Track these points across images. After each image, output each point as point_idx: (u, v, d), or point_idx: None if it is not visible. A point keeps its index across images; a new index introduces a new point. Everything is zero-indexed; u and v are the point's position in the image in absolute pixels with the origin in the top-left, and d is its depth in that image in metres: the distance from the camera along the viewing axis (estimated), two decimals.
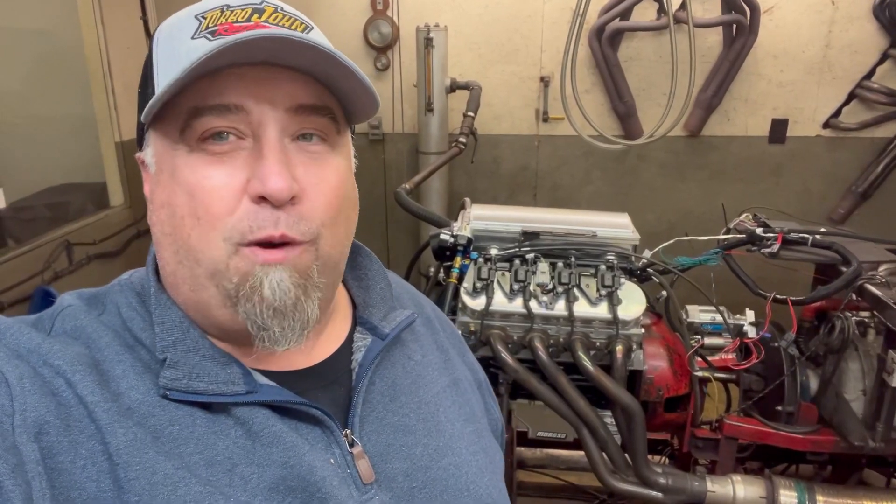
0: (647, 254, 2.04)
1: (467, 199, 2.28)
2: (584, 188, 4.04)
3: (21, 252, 2.80)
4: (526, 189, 4.10)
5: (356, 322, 0.74)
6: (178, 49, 0.57)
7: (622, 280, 1.89)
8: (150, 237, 0.64)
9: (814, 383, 1.95)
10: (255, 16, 0.58)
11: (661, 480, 1.87)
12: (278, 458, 0.59)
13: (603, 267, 1.92)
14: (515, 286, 1.87)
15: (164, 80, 0.54)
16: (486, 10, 3.78)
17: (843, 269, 1.83)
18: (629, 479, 1.89)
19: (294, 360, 0.67)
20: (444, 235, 2.01)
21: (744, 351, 1.99)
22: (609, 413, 1.89)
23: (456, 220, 2.14)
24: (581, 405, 1.81)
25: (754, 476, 1.92)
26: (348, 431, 0.64)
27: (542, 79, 3.86)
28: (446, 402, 0.75)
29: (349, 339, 0.72)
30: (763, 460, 2.17)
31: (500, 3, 3.76)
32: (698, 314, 2.10)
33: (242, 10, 0.58)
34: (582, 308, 1.85)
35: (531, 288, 1.87)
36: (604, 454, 1.88)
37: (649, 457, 1.91)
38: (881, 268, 1.84)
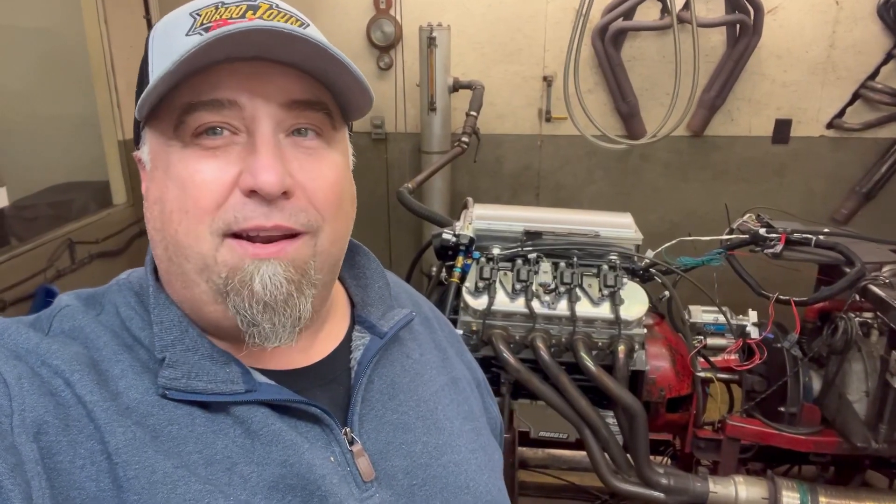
0: (650, 254, 2.04)
1: (470, 199, 2.28)
2: (587, 188, 4.04)
3: (24, 250, 2.81)
4: (528, 189, 4.09)
5: (354, 321, 0.74)
6: (172, 46, 0.57)
7: (625, 280, 1.88)
8: None
9: (817, 384, 1.94)
10: (250, 12, 0.58)
11: (664, 481, 1.87)
12: (278, 457, 0.58)
13: (605, 267, 1.92)
14: (518, 286, 1.87)
15: (157, 75, 0.54)
16: (490, 9, 3.78)
17: (847, 269, 1.82)
18: (631, 479, 1.89)
19: (293, 358, 0.67)
20: (447, 235, 2.01)
21: (746, 351, 1.99)
22: (611, 413, 1.88)
23: (458, 219, 2.14)
24: (583, 405, 1.81)
25: (757, 477, 1.92)
26: (348, 429, 0.64)
27: (545, 78, 3.85)
28: (445, 400, 0.75)
29: (347, 338, 0.72)
30: (765, 461, 2.16)
31: (503, 3, 3.76)
32: (701, 314, 2.10)
33: (237, 6, 0.58)
34: (584, 308, 1.84)
35: (533, 288, 1.86)
36: (606, 454, 1.88)
37: (651, 457, 1.91)
38: (885, 269, 1.84)
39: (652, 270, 2.01)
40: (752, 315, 2.05)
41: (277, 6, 0.60)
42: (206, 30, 0.56)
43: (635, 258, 2.01)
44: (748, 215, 2.17)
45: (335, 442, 0.63)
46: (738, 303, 2.08)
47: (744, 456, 2.05)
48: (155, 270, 0.64)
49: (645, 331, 1.87)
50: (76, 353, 0.57)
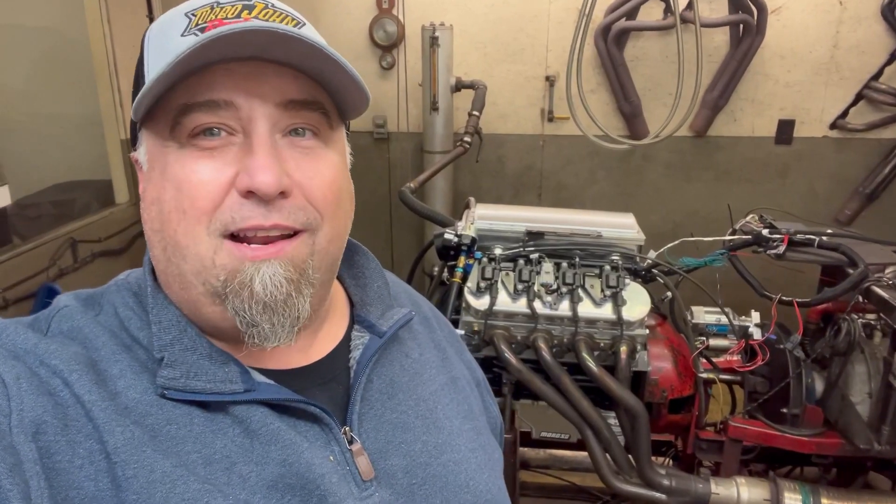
0: (652, 254, 2.04)
1: (472, 199, 2.27)
2: (589, 188, 4.03)
3: (26, 249, 2.81)
4: (531, 189, 4.09)
5: (354, 320, 0.74)
6: (168, 46, 0.57)
7: (627, 281, 1.88)
8: None
9: (819, 385, 1.93)
10: (245, 12, 0.58)
11: (665, 482, 1.86)
12: (277, 456, 0.58)
13: (607, 267, 1.91)
14: (519, 286, 1.87)
15: (153, 76, 0.54)
16: (492, 9, 3.78)
17: (850, 270, 1.82)
18: (633, 480, 1.88)
19: (292, 358, 0.67)
20: (449, 235, 2.01)
21: (749, 352, 1.98)
22: (613, 414, 1.88)
23: (460, 219, 2.14)
24: (585, 406, 1.80)
25: (759, 478, 1.91)
26: (347, 429, 0.64)
27: (547, 78, 3.85)
28: (444, 399, 0.75)
29: (347, 338, 0.72)
30: (767, 462, 2.16)
31: (505, 3, 3.76)
32: (703, 315, 2.09)
33: (232, 6, 0.58)
34: (586, 308, 1.84)
35: (535, 288, 1.86)
36: (607, 455, 1.87)
37: (653, 458, 1.90)
38: (888, 270, 1.83)
39: (654, 271, 2.01)
40: (755, 316, 2.04)
41: (273, 5, 0.60)
42: (202, 30, 0.56)
43: (637, 259, 2.00)
44: (751, 216, 2.16)
45: (334, 441, 0.63)
46: (740, 304, 2.07)
47: (746, 457, 2.05)
48: (153, 271, 0.64)
49: (647, 331, 1.86)
50: (75, 354, 0.57)
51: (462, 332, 1.86)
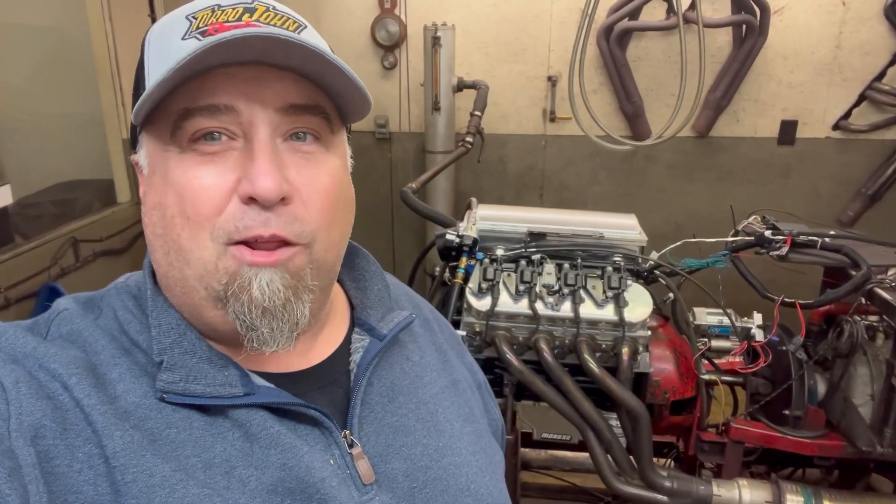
0: (655, 255, 2.03)
1: (473, 199, 2.27)
2: (591, 189, 4.03)
3: (28, 248, 2.81)
4: (532, 189, 4.09)
5: (354, 323, 0.74)
6: (169, 50, 0.57)
7: (629, 282, 1.88)
8: None
9: (821, 387, 1.93)
10: (246, 15, 0.57)
11: (667, 484, 1.86)
12: (277, 460, 0.58)
13: (609, 268, 1.91)
14: (521, 287, 1.87)
15: (153, 81, 0.54)
16: (494, 8, 3.77)
17: (853, 272, 1.81)
18: (634, 481, 1.88)
19: (292, 361, 0.66)
20: (450, 235, 2.01)
21: (751, 354, 1.98)
22: (614, 415, 1.88)
23: (462, 219, 2.13)
24: (586, 407, 1.80)
25: (760, 480, 1.91)
26: (347, 432, 0.64)
27: (549, 78, 3.85)
28: (445, 402, 0.74)
29: (347, 341, 0.72)
30: (769, 464, 2.15)
31: (508, 2, 3.75)
32: (705, 317, 2.09)
33: (233, 9, 0.58)
34: (588, 310, 1.84)
35: (537, 289, 1.86)
36: (609, 456, 1.87)
37: (654, 460, 1.90)
38: (890, 271, 1.83)
39: (656, 272, 2.01)
40: (757, 317, 2.04)
41: (274, 8, 0.60)
42: (203, 34, 0.56)
43: (639, 260, 2.00)
44: (753, 217, 2.16)
45: (335, 445, 0.62)
46: (742, 305, 2.07)
47: (748, 459, 2.04)
48: (153, 274, 0.64)
49: (649, 333, 1.86)
50: (74, 357, 0.57)
51: (463, 332, 1.86)
